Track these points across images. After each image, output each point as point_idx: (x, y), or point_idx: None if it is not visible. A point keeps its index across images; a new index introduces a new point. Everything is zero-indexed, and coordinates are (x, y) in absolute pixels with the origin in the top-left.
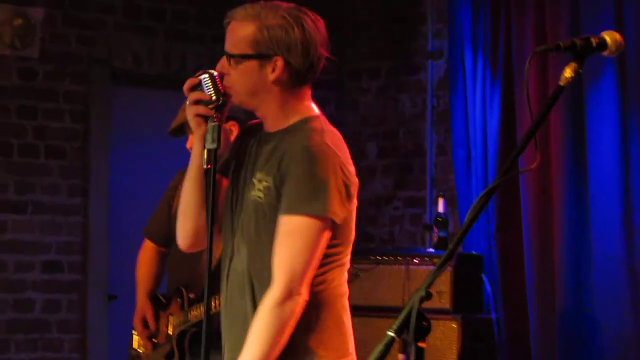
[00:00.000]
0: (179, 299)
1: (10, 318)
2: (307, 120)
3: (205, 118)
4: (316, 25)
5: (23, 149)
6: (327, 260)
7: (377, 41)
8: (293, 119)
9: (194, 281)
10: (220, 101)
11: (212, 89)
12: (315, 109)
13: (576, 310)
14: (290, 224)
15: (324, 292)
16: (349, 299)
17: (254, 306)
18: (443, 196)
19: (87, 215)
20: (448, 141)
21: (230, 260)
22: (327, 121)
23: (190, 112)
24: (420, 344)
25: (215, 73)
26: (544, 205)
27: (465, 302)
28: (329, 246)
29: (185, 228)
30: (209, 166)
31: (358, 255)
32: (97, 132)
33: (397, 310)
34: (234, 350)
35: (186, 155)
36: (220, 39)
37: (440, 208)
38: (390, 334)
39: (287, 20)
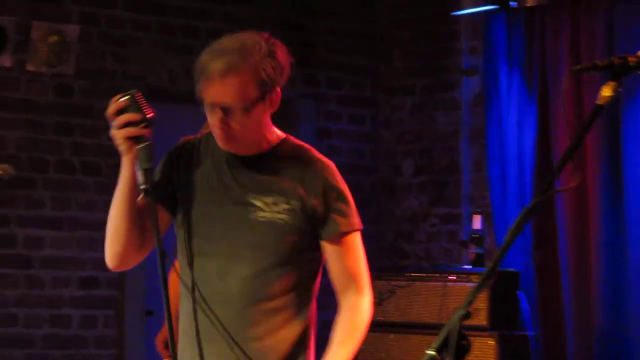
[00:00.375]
0: None
1: (47, 334)
2: (290, 140)
3: (136, 139)
4: (284, 49)
5: (59, 166)
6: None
7: (412, 58)
8: (275, 139)
9: None
10: (150, 120)
11: (141, 108)
12: (278, 129)
13: (613, 327)
14: (354, 239)
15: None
16: (386, 315)
17: (248, 324)
18: (479, 213)
19: None
20: (483, 158)
21: (211, 281)
22: None
23: (120, 136)
24: None
25: (135, 92)
26: (580, 222)
27: (502, 319)
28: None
29: (114, 249)
30: (146, 186)
31: (394, 271)
32: None
33: (433, 327)
34: None
35: None
36: None
37: (476, 225)
38: (430, 352)
39: (269, 53)
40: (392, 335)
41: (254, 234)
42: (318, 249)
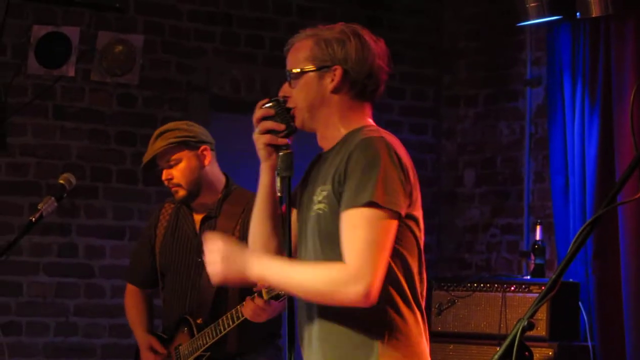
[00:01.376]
0: (186, 329)
1: (106, 343)
2: (362, 127)
3: (276, 147)
4: (375, 40)
5: (122, 175)
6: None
7: (475, 68)
8: (347, 130)
9: (198, 309)
10: (293, 128)
11: (284, 117)
12: (370, 122)
13: None
14: (353, 217)
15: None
16: (445, 325)
17: (322, 327)
18: (540, 223)
19: None
20: (546, 168)
21: None
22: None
23: (261, 142)
24: None
25: (281, 99)
26: None
27: (562, 329)
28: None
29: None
30: (280, 194)
31: (454, 282)
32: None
33: (493, 338)
34: None
35: None
36: None
37: (538, 235)
38: None
39: (344, 33)
40: (451, 346)
41: (310, 229)
42: None
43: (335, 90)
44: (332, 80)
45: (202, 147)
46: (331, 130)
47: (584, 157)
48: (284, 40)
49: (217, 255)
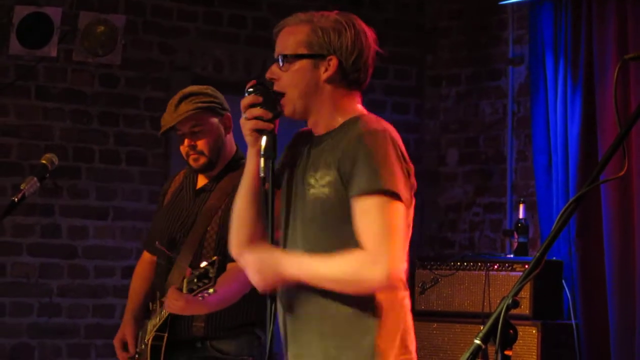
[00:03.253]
0: (157, 304)
1: (91, 323)
2: (360, 117)
3: (262, 132)
4: (367, 31)
5: (104, 155)
6: None
7: (457, 47)
8: (343, 119)
9: (168, 286)
10: (279, 113)
11: (271, 102)
12: (364, 111)
13: None
14: (367, 204)
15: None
16: (429, 304)
17: (321, 307)
18: (523, 202)
19: None
20: (528, 147)
21: None
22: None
23: (247, 127)
24: (507, 352)
25: (268, 83)
26: (624, 210)
27: (545, 308)
28: None
29: (239, 237)
30: (263, 174)
31: (438, 261)
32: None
33: (476, 316)
34: (302, 356)
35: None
36: None
37: (521, 214)
38: (477, 342)
39: (340, 23)
40: (435, 325)
41: (306, 212)
42: None
43: (328, 80)
44: (327, 69)
45: (226, 115)
46: (325, 118)
47: (567, 135)
48: (267, 20)
49: (252, 269)
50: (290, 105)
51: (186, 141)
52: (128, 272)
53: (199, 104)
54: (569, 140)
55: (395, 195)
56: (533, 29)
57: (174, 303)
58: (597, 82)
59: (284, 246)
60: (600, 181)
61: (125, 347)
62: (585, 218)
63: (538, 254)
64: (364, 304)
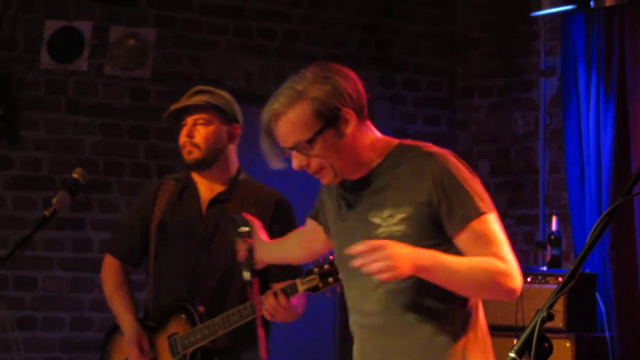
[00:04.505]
0: (183, 316)
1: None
2: (403, 144)
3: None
4: (346, 70)
5: (135, 169)
6: None
7: (489, 59)
8: (384, 151)
9: (197, 297)
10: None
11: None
12: (392, 137)
13: None
14: (482, 225)
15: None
16: None
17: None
18: (556, 214)
19: None
20: (561, 159)
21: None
22: None
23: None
24: None
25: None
26: None
27: (579, 320)
28: None
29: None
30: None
31: None
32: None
33: (510, 329)
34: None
35: (294, 174)
36: (330, 57)
37: (554, 226)
38: (512, 355)
39: (324, 77)
40: None
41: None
42: (453, 249)
43: (354, 131)
44: (347, 123)
45: (236, 126)
46: (361, 160)
47: (600, 147)
48: (296, 32)
49: (386, 256)
50: (340, 174)
51: (185, 130)
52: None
53: (211, 100)
54: (602, 152)
55: (492, 211)
56: (565, 39)
57: (284, 309)
58: (629, 93)
59: (352, 291)
60: (634, 194)
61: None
62: (619, 230)
63: (573, 267)
64: (456, 322)
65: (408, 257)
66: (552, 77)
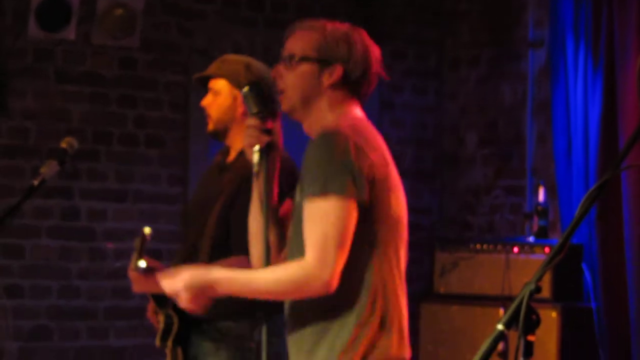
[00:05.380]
0: None
1: (109, 306)
2: (328, 127)
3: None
4: (374, 49)
5: (123, 138)
6: (361, 244)
7: (477, 30)
8: (323, 127)
9: (185, 261)
10: (275, 110)
11: (264, 100)
12: (355, 116)
13: None
14: (310, 208)
15: (364, 278)
16: (448, 287)
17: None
18: (543, 185)
19: (187, 204)
20: (548, 130)
21: None
22: (359, 119)
23: (245, 143)
24: (529, 338)
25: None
26: None
27: (565, 291)
28: (361, 229)
29: (253, 252)
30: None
31: (457, 244)
32: (197, 121)
33: (496, 299)
34: (297, 354)
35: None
36: None
37: (541, 197)
38: (500, 327)
39: (351, 36)
40: (455, 307)
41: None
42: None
43: (330, 87)
44: (331, 76)
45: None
46: (320, 122)
47: (587, 119)
48: (285, 4)
49: (182, 290)
50: (288, 104)
51: (204, 98)
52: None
53: (221, 73)
54: (589, 124)
55: (336, 195)
56: (553, 11)
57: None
58: (618, 65)
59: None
60: (623, 168)
61: (156, 311)
62: (606, 201)
63: (561, 240)
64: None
65: (193, 273)
66: (540, 48)
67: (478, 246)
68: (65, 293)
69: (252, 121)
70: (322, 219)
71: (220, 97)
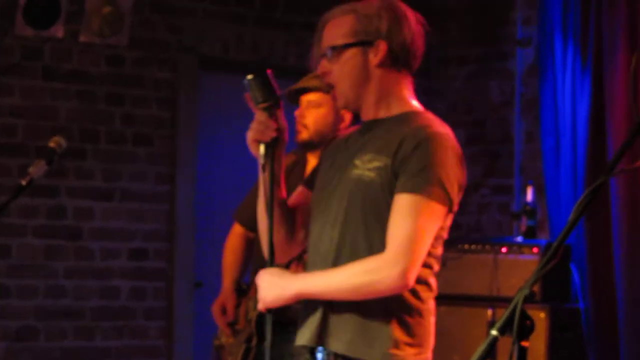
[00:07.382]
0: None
1: (96, 305)
2: (419, 113)
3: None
4: (411, 13)
5: (110, 136)
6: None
7: (465, 28)
8: (398, 109)
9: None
10: (278, 98)
11: (270, 89)
12: (421, 107)
13: None
14: (410, 203)
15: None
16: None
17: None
18: (532, 185)
19: (174, 203)
20: (536, 129)
21: (314, 244)
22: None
23: (248, 138)
24: (523, 344)
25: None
26: (633, 194)
27: (554, 291)
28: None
29: (263, 243)
30: (262, 162)
31: (445, 243)
32: (185, 119)
33: (484, 300)
34: (310, 333)
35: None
36: (308, 26)
37: (529, 197)
38: (494, 333)
39: (384, 9)
40: (442, 308)
41: (345, 192)
42: None
43: (379, 65)
44: (376, 55)
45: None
46: (375, 103)
47: (575, 117)
48: (275, 1)
49: (261, 286)
50: (343, 97)
51: (298, 110)
52: (134, 254)
53: (325, 88)
54: (577, 123)
55: (439, 201)
56: (542, 10)
57: None
58: (606, 64)
59: (315, 227)
60: (618, 171)
61: (224, 311)
62: (594, 202)
63: (555, 245)
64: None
65: (272, 290)
66: (528, 47)
67: (466, 246)
68: (52, 293)
69: (260, 116)
70: (419, 218)
71: (322, 109)
